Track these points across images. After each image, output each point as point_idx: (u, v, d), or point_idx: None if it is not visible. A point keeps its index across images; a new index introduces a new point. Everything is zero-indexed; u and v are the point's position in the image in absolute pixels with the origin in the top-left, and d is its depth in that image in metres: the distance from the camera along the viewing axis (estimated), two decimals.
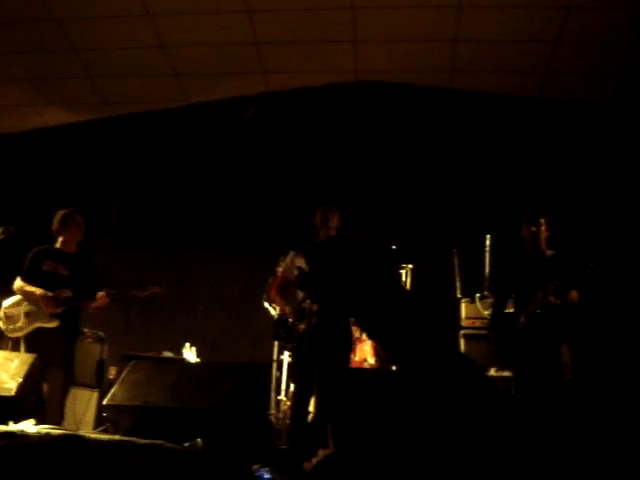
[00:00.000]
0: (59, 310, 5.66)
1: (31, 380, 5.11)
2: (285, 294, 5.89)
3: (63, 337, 5.71)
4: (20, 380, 4.93)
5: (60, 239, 5.96)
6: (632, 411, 5.63)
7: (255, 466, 4.27)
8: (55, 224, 5.96)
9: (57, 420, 5.40)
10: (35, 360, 5.21)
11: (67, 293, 5.71)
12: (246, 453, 4.50)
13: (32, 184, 9.06)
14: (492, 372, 6.48)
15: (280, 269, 6.01)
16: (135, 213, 8.89)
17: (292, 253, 5.99)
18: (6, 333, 5.80)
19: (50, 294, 5.66)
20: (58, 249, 5.95)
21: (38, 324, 5.67)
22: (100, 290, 5.81)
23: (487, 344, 6.04)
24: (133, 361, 5.37)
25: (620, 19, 7.07)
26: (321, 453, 4.46)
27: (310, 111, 8.79)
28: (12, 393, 4.83)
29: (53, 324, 5.66)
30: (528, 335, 5.38)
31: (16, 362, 5.09)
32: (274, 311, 5.98)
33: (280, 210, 8.42)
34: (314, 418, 5.59)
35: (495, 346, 5.70)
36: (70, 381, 5.82)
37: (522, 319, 5.43)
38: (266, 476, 4.14)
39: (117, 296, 5.90)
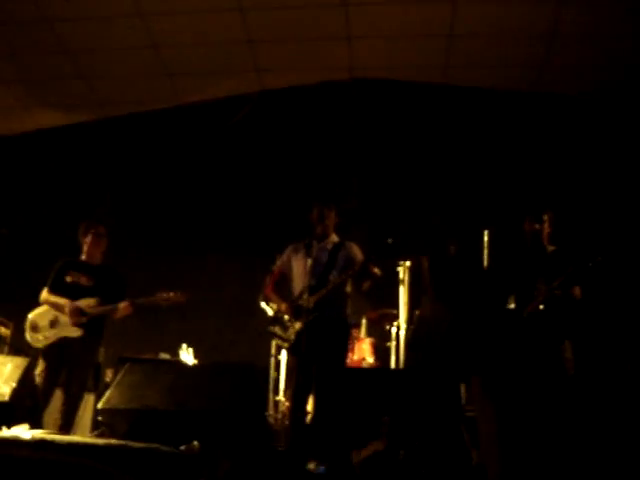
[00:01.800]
0: (84, 320, 5.67)
1: (25, 385, 5.07)
2: (281, 291, 5.87)
3: (86, 347, 5.76)
4: (14, 385, 4.88)
5: (84, 250, 6.06)
6: (634, 407, 5.58)
7: (311, 464, 4.23)
8: (79, 235, 6.08)
9: (69, 428, 5.43)
10: (29, 364, 5.17)
11: (92, 302, 5.71)
12: (244, 455, 4.44)
13: (25, 186, 8.99)
14: None
15: (276, 266, 5.98)
16: (130, 215, 8.82)
17: (289, 249, 5.96)
18: (32, 343, 5.84)
19: (76, 303, 5.72)
20: (82, 261, 6.06)
21: (63, 334, 5.72)
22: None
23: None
24: (128, 364, 5.33)
25: (615, 12, 7.02)
26: (371, 447, 4.43)
27: (305, 109, 8.73)
28: (6, 398, 4.79)
29: (77, 334, 5.69)
30: (530, 331, 5.34)
31: (9, 366, 5.06)
32: (270, 310, 5.93)
33: (277, 210, 8.38)
34: (313, 418, 5.56)
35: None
36: (83, 390, 5.86)
37: (524, 315, 5.39)
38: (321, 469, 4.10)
39: (140, 305, 5.87)
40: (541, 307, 5.33)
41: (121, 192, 8.97)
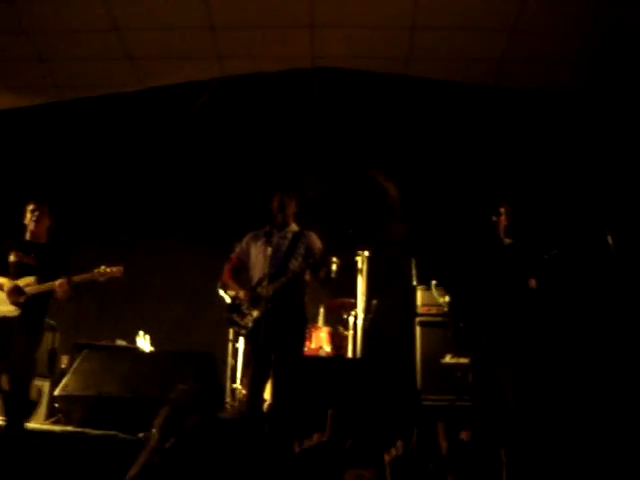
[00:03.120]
0: (21, 299, 5.58)
1: None
2: (239, 278, 5.86)
3: (24, 327, 5.62)
4: None
5: (28, 229, 5.95)
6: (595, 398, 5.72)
7: None
8: (24, 216, 5.97)
9: (27, 412, 5.35)
10: None
11: (30, 281, 5.63)
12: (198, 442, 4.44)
13: None
14: (448, 359, 6.53)
15: (235, 253, 5.96)
16: (87, 200, 8.72)
17: (248, 236, 5.96)
18: None
19: (13, 282, 5.61)
20: (27, 240, 5.95)
21: (1, 313, 5.61)
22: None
23: (443, 331, 6.05)
24: (85, 350, 5.30)
25: (576, 7, 7.11)
26: (315, 437, 4.42)
27: (266, 97, 8.70)
28: None
29: (14, 313, 5.58)
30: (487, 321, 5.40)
31: None
32: (228, 298, 5.91)
33: (237, 197, 8.35)
34: (270, 406, 5.57)
35: (452, 333, 5.70)
36: (32, 372, 5.71)
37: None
38: None
39: (78, 282, 5.74)
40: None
41: (79, 176, 8.85)
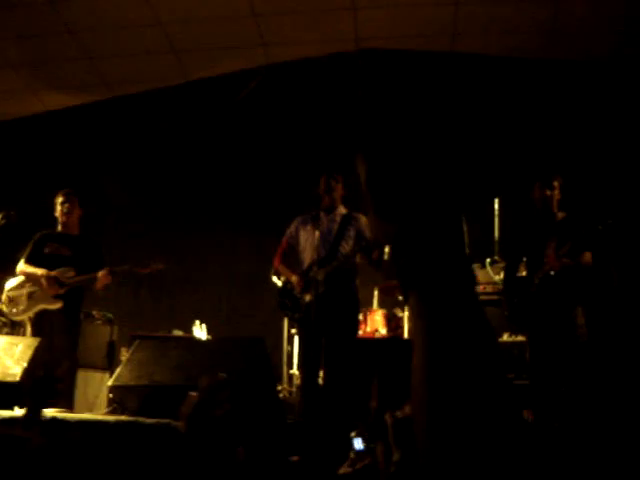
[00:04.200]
0: (62, 291, 5.64)
1: (37, 364, 5.06)
2: (289, 263, 5.85)
3: (66, 319, 5.70)
4: (25, 365, 4.88)
5: (59, 222, 5.99)
6: None
7: (352, 433, 4.19)
8: (54, 208, 6.01)
9: (69, 404, 5.41)
10: (40, 344, 5.16)
11: (70, 272, 5.69)
12: (255, 428, 4.44)
13: (34, 169, 8.99)
14: (505, 337, 6.42)
15: (284, 238, 5.95)
16: (140, 193, 8.83)
17: (297, 220, 5.94)
18: (9, 316, 5.84)
19: (52, 273, 5.66)
20: (60, 232, 5.99)
21: (41, 306, 5.68)
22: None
23: (499, 309, 5.95)
24: (138, 340, 5.32)
25: None
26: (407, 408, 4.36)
27: (313, 82, 8.66)
28: (17, 378, 4.79)
29: (56, 305, 5.65)
30: (542, 298, 5.30)
31: (20, 347, 5.04)
32: (280, 283, 5.91)
33: (287, 183, 8.34)
34: (324, 390, 5.56)
35: (508, 311, 5.61)
36: (75, 364, 5.79)
37: (536, 281, 5.35)
38: (357, 446, 4.06)
39: (119, 273, 5.82)
40: (552, 273, 5.28)
41: (131, 171, 8.95)
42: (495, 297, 6.57)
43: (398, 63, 8.47)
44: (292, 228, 5.94)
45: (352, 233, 5.72)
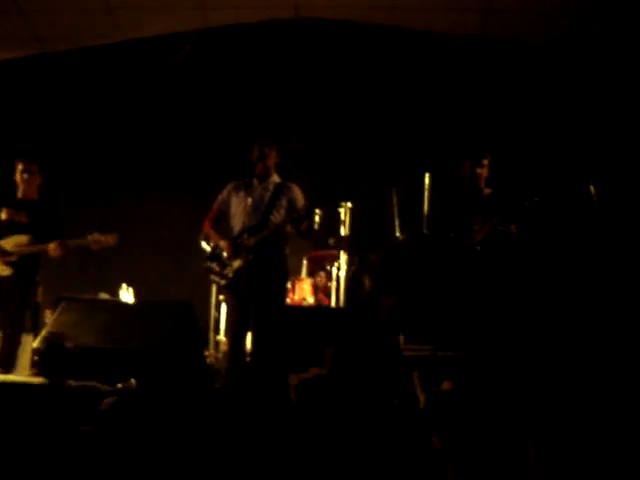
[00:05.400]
0: (13, 258, 5.57)
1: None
2: (220, 228, 5.85)
3: (17, 286, 5.68)
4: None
5: (19, 188, 5.99)
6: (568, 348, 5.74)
7: None
8: (14, 175, 6.00)
9: (10, 367, 5.44)
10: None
11: (22, 240, 5.63)
12: (180, 392, 4.47)
13: None
14: None
15: (216, 203, 5.94)
16: (68, 153, 8.64)
17: (229, 186, 5.93)
18: None
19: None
20: (18, 197, 5.98)
21: None
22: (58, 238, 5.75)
23: None
24: (64, 302, 5.28)
25: None
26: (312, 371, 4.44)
27: (249, 48, 8.60)
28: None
29: (6, 272, 5.63)
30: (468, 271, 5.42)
31: None
32: (209, 248, 5.91)
33: (219, 149, 8.30)
34: (251, 356, 5.60)
35: None
36: (20, 329, 5.77)
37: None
38: None
39: (71, 247, 5.82)
40: (478, 248, 5.40)
41: (59, 129, 8.76)
42: None
43: (336, 33, 8.48)
44: (224, 194, 5.93)
45: (284, 202, 5.75)
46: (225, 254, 5.62)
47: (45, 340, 4.75)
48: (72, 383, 4.21)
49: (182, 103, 8.65)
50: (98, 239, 5.76)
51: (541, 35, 8.01)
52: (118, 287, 7.39)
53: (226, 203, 5.88)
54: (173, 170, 8.50)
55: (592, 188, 5.29)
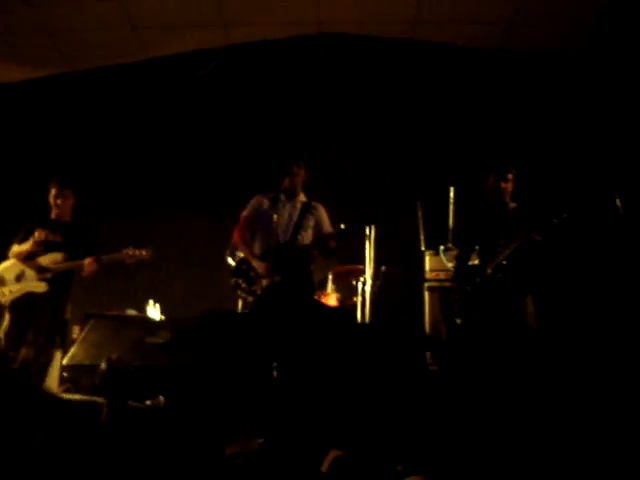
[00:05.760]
0: (48, 275, 5.69)
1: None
2: (245, 234, 5.88)
3: (49, 302, 5.78)
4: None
5: (53, 209, 6.11)
6: (595, 360, 5.71)
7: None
8: (48, 196, 6.12)
9: (40, 383, 5.49)
10: None
11: (57, 257, 5.74)
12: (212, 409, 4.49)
13: None
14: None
15: (244, 215, 5.97)
16: (96, 171, 8.71)
17: (256, 199, 5.98)
18: None
19: (37, 260, 5.80)
20: (52, 218, 6.11)
21: (28, 289, 5.76)
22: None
23: (452, 295, 6.06)
24: (92, 320, 5.32)
25: None
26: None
27: (272, 64, 8.65)
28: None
29: (41, 289, 5.71)
30: (493, 286, 5.41)
31: None
32: (234, 263, 5.95)
33: (243, 166, 8.34)
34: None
35: (460, 298, 5.71)
36: (52, 344, 5.83)
37: (489, 271, 5.45)
38: None
39: (106, 262, 5.91)
40: (504, 262, 5.39)
41: (87, 147, 8.85)
42: (447, 284, 6.69)
43: (359, 48, 8.51)
44: (251, 206, 5.97)
45: (311, 222, 5.83)
46: (261, 274, 5.64)
47: (108, 362, 4.79)
48: (132, 403, 4.26)
49: (208, 120, 8.69)
50: (132, 253, 5.87)
51: (567, 47, 7.99)
52: (145, 303, 7.43)
53: (253, 216, 5.92)
54: (198, 186, 8.54)
55: (618, 201, 5.28)
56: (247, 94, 8.66)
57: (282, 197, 5.81)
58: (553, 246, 5.46)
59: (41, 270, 5.74)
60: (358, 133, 8.39)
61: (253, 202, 5.99)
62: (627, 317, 6.06)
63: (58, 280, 5.82)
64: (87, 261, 5.75)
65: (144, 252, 5.91)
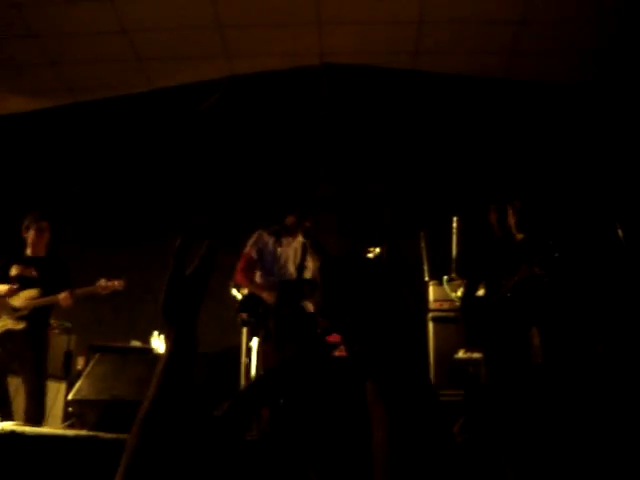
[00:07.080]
0: (25, 312, 5.68)
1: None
2: (249, 274, 5.88)
3: (31, 337, 5.77)
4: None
5: (28, 244, 6.10)
6: (601, 392, 5.68)
7: None
8: (22, 230, 6.11)
9: (41, 419, 5.47)
10: None
11: (33, 294, 5.75)
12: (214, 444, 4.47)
13: None
14: (461, 354, 6.52)
15: (247, 252, 5.98)
16: (99, 200, 8.76)
17: (258, 234, 5.97)
18: None
19: (15, 287, 5.77)
20: (27, 254, 6.10)
21: (7, 327, 5.77)
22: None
23: (455, 326, 6.04)
24: (98, 354, 5.32)
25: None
26: None
27: (276, 95, 8.71)
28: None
29: (20, 326, 5.73)
30: (498, 319, 5.40)
31: None
32: (240, 295, 5.95)
33: (246, 197, 8.36)
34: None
35: (465, 329, 5.70)
36: (44, 379, 5.82)
37: (493, 302, 5.44)
38: None
39: (80, 295, 5.93)
40: (508, 295, 5.38)
41: (90, 177, 8.89)
42: (451, 314, 6.68)
43: (361, 78, 8.57)
44: (253, 242, 5.96)
45: (310, 264, 5.82)
46: (266, 304, 5.65)
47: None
48: (106, 436, 4.22)
49: (211, 151, 8.73)
50: (106, 285, 5.88)
51: (567, 77, 8.05)
52: (149, 334, 7.42)
53: (256, 252, 5.92)
54: (202, 216, 8.56)
55: (620, 231, 5.29)
56: (251, 125, 8.69)
57: (284, 233, 5.84)
58: (556, 279, 5.45)
59: (15, 310, 5.75)
60: (360, 163, 8.43)
61: (256, 240, 5.97)
62: (633, 347, 6.04)
63: (36, 314, 5.84)
64: (62, 296, 5.77)
65: (116, 283, 5.92)
